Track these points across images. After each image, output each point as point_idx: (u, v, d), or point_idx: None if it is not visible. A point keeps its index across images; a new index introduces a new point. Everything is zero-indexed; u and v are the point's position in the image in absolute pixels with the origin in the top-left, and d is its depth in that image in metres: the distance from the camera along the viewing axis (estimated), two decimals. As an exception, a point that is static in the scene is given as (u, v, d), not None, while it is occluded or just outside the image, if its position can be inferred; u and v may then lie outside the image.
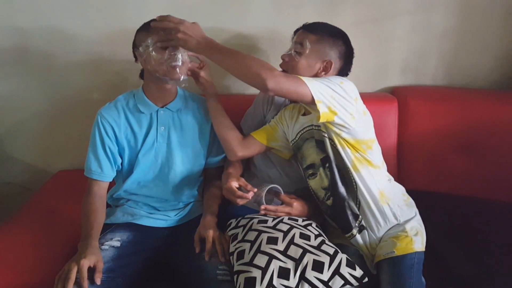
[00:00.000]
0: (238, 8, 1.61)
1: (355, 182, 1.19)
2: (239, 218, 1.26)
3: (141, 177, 1.34)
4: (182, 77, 1.24)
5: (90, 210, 1.23)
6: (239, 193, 1.18)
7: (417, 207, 1.35)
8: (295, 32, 1.32)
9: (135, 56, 1.30)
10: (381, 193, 1.21)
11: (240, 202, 1.19)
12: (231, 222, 1.26)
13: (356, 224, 1.23)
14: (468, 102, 1.65)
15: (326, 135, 1.20)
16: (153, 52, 1.21)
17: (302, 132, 1.29)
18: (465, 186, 1.64)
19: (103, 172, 1.29)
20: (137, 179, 1.34)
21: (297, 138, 1.31)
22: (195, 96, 1.43)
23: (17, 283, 1.13)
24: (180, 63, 1.22)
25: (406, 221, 1.21)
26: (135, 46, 1.27)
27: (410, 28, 1.70)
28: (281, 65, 1.28)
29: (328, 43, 1.23)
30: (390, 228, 1.22)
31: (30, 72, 1.63)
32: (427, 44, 1.75)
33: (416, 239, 1.17)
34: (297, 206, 1.26)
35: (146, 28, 1.23)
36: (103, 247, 1.17)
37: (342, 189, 1.22)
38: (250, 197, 1.18)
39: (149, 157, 1.33)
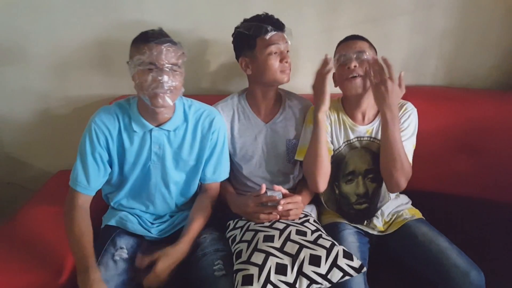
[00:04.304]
0: (238, 8, 1.61)
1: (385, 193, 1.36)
2: (237, 220, 1.27)
3: (131, 195, 1.30)
4: (168, 104, 1.14)
5: (78, 232, 1.14)
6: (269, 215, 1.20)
7: (417, 207, 1.41)
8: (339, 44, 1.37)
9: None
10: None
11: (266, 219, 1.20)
12: (230, 224, 1.27)
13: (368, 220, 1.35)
14: (468, 102, 1.65)
15: None
16: (138, 72, 1.11)
17: (354, 140, 1.34)
18: (465, 186, 1.63)
19: (90, 185, 1.21)
20: (126, 196, 1.30)
21: (343, 146, 1.35)
22: (197, 108, 1.30)
23: (17, 283, 1.13)
24: (164, 90, 1.11)
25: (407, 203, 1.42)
26: (130, 56, 1.16)
27: (410, 28, 1.70)
28: (355, 75, 1.28)
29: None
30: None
31: (30, 72, 1.63)
32: (427, 44, 1.74)
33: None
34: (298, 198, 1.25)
35: (139, 41, 1.14)
36: (115, 258, 1.16)
37: (376, 199, 1.35)
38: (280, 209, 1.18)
39: (140, 176, 1.27)
